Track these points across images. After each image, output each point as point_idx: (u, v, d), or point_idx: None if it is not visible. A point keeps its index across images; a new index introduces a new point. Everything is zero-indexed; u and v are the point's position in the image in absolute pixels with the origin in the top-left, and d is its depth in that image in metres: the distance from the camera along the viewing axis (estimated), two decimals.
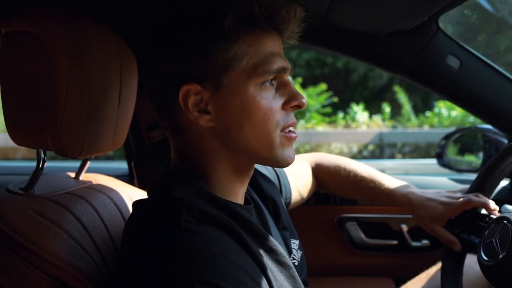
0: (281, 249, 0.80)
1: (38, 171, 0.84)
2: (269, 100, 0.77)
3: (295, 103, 0.79)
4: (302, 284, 0.80)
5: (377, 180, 1.23)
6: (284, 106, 0.79)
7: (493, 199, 1.08)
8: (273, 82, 0.78)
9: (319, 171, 1.30)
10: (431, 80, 1.31)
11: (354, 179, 1.25)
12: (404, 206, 1.18)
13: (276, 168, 1.15)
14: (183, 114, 0.76)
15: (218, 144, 0.78)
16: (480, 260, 0.92)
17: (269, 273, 0.73)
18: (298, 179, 1.23)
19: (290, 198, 1.17)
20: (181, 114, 0.76)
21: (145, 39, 0.80)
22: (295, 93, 0.80)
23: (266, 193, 0.99)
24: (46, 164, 0.85)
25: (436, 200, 1.13)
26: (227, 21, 0.72)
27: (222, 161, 0.79)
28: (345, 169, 1.26)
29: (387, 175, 1.27)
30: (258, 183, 0.99)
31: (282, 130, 0.79)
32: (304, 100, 0.80)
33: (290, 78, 0.84)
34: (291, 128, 0.81)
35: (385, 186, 1.21)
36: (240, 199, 0.83)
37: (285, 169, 1.18)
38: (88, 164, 1.04)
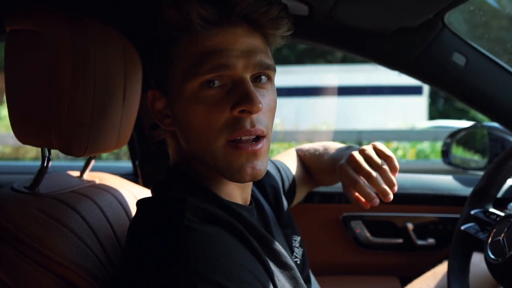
0: (282, 250, 0.79)
1: (43, 170, 0.84)
2: (210, 104, 0.70)
3: (240, 107, 0.69)
4: (304, 285, 0.80)
5: (325, 147, 1.15)
6: (232, 110, 0.70)
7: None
8: (219, 83, 0.70)
9: (299, 155, 1.24)
10: (437, 77, 1.30)
11: (313, 154, 1.17)
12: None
13: (276, 163, 1.13)
14: None
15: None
16: (487, 259, 0.91)
17: (272, 273, 0.72)
18: (297, 173, 1.20)
19: (293, 195, 1.16)
20: None
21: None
22: (245, 95, 0.69)
23: (268, 189, 0.99)
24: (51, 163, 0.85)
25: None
26: (158, 29, 0.73)
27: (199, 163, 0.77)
28: (312, 148, 1.19)
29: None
30: (260, 180, 0.98)
31: (230, 140, 0.70)
32: (256, 105, 0.68)
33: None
34: (244, 138, 0.70)
35: (329, 152, 1.12)
36: (240, 199, 0.82)
37: (285, 162, 1.16)
38: (93, 163, 1.04)
